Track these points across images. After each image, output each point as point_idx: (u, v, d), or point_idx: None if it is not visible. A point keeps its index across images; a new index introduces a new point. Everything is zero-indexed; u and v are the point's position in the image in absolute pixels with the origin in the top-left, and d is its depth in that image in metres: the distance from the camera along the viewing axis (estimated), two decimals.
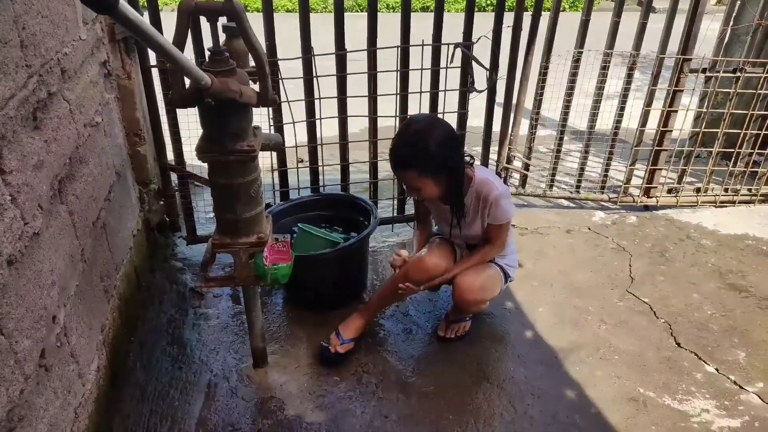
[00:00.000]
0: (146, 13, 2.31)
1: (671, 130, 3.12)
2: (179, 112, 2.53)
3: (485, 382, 2.10)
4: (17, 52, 1.35)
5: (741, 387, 2.07)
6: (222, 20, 1.52)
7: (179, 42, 1.39)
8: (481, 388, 2.07)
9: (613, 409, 1.98)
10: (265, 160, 2.51)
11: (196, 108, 1.56)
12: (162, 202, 2.76)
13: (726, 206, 3.32)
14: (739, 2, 3.51)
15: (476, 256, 2.17)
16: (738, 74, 3.05)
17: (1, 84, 1.25)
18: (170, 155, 2.68)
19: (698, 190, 3.34)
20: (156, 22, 2.33)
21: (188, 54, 1.31)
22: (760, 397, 2.03)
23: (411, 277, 2.13)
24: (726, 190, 3.36)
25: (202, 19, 1.54)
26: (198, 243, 2.84)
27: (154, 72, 2.48)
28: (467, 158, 2.03)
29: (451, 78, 2.72)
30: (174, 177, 2.77)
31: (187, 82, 1.45)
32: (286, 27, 3.34)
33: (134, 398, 1.98)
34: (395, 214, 3.08)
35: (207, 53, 1.51)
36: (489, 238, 2.13)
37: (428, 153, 1.86)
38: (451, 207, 2.08)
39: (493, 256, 2.19)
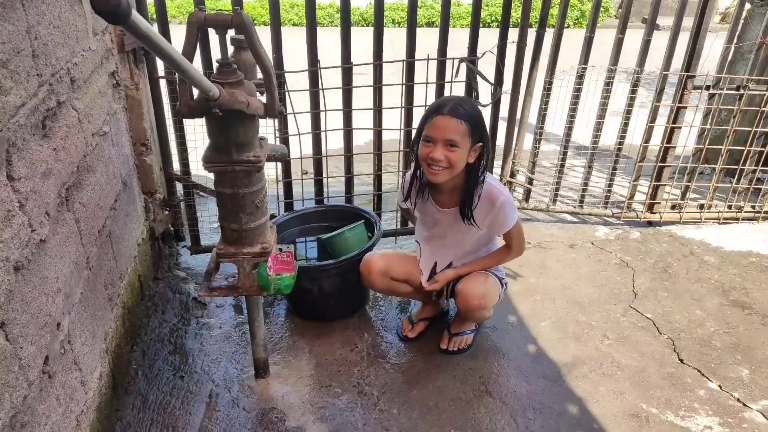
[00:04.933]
0: (155, 25, 2.34)
1: (675, 147, 3.13)
2: (186, 122, 2.56)
3: (487, 396, 2.09)
4: (29, 62, 1.37)
5: (744, 404, 2.06)
6: (231, 33, 1.54)
7: (188, 53, 1.41)
8: (482, 402, 2.06)
9: (615, 425, 1.97)
10: (271, 171, 2.53)
11: (203, 119, 1.57)
12: (167, 212, 2.77)
13: (729, 223, 3.32)
14: (742, 20, 3.53)
15: (492, 256, 2.22)
16: (741, 91, 3.07)
17: (13, 92, 1.27)
18: (176, 165, 2.71)
19: (702, 206, 3.35)
20: (165, 33, 2.36)
21: (197, 65, 1.33)
22: (763, 415, 2.02)
23: (363, 277, 2.24)
24: (729, 206, 3.36)
25: (211, 32, 1.57)
26: (202, 253, 2.85)
27: (162, 83, 2.51)
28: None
29: (456, 92, 2.74)
30: (179, 187, 2.78)
31: (195, 92, 1.47)
32: (293, 41, 3.37)
33: (135, 407, 1.98)
34: (398, 227, 3.09)
35: (215, 65, 1.53)
36: (508, 243, 2.17)
37: (478, 116, 1.94)
38: (462, 200, 2.04)
39: (511, 259, 2.24)
